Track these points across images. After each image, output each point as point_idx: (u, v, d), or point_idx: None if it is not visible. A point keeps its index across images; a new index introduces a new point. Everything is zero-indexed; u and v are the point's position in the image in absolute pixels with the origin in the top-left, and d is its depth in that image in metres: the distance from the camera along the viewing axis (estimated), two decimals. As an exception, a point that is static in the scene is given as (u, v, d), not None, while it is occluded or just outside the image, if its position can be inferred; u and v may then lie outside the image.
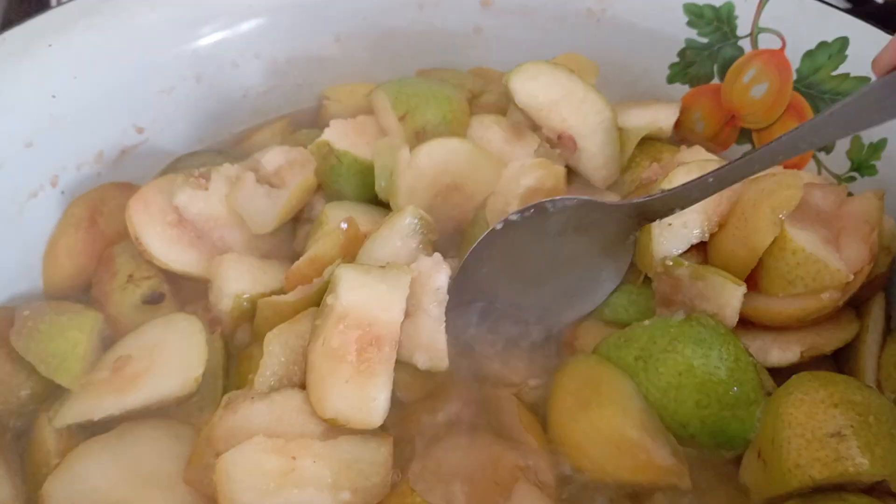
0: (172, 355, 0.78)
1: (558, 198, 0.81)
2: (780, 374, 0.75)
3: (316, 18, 1.12)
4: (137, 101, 1.04)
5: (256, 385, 0.74)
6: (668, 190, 0.79)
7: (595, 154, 0.95)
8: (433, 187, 0.91)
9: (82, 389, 0.77)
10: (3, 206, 0.92)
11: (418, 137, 0.94)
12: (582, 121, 0.96)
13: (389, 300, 0.75)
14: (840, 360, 0.82)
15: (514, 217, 0.81)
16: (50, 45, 0.97)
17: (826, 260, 0.75)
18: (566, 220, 0.82)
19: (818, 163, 0.98)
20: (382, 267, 0.78)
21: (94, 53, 0.99)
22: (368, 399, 0.70)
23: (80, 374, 0.77)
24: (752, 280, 0.78)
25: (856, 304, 0.83)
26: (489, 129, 0.98)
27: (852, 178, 0.94)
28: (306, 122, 1.15)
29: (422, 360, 0.76)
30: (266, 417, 0.71)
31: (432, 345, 0.76)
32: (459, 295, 0.80)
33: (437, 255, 0.80)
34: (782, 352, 0.77)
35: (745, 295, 0.76)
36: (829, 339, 0.78)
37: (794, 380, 0.72)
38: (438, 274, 0.78)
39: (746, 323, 0.78)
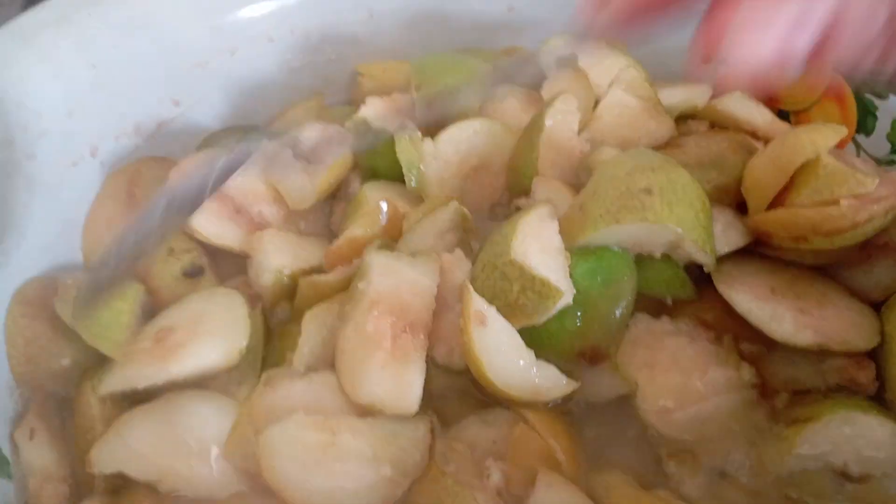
0: (215, 327, 0.77)
1: None
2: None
3: (351, -6, 1.11)
4: (174, 73, 1.03)
5: (295, 363, 0.73)
6: None
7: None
8: (461, 173, 0.89)
9: (126, 358, 0.76)
10: (45, 175, 0.91)
11: (429, 107, 0.92)
12: None
13: (422, 287, 0.73)
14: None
15: None
16: (90, 14, 0.95)
17: (854, 171, 0.75)
18: None
19: (857, 146, 0.96)
20: (412, 255, 0.76)
21: (131, 23, 0.98)
22: (405, 385, 0.69)
23: (124, 344, 0.77)
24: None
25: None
26: (503, 101, 0.96)
27: (893, 161, 0.92)
28: (339, 100, 1.14)
29: (441, 355, 0.74)
30: (305, 396, 0.70)
31: (453, 339, 0.74)
32: None
33: (458, 252, 0.78)
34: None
35: (769, 210, 0.78)
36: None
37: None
38: (459, 270, 0.76)
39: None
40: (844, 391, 0.76)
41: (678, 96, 1.00)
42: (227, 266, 0.89)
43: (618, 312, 0.77)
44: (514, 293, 0.71)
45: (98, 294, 0.73)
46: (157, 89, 1.02)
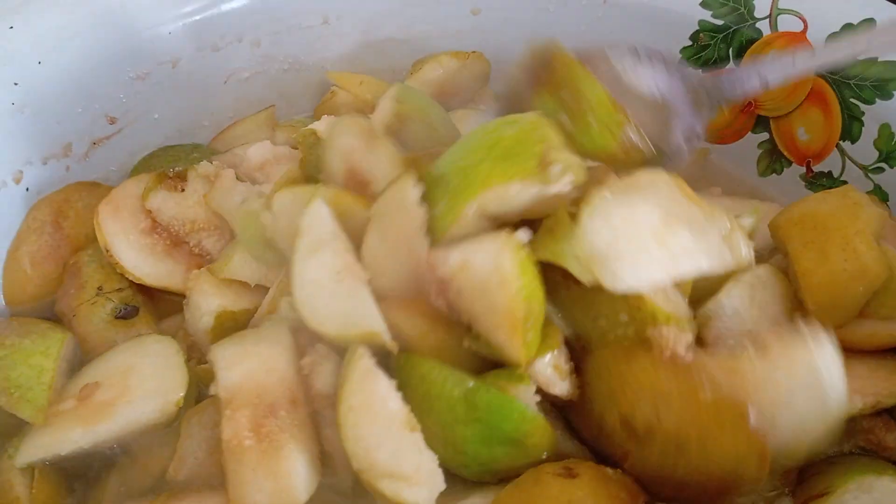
0: (147, 379, 0.66)
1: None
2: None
3: (303, -2, 0.99)
4: (109, 88, 0.91)
5: (171, 472, 0.62)
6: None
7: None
8: None
9: (46, 422, 0.64)
10: (-39, 206, 0.79)
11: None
12: None
13: (271, 359, 0.62)
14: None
15: None
16: (11, 27, 0.85)
17: None
18: None
19: (842, 153, 0.86)
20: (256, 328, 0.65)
21: (60, 35, 0.87)
22: (284, 478, 0.57)
23: (46, 406, 0.65)
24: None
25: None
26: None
27: (880, 170, 0.83)
28: (295, 112, 1.02)
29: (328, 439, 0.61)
30: None
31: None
32: None
33: None
34: None
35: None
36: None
37: None
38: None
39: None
40: (865, 455, 0.67)
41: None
42: (165, 304, 0.77)
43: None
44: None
45: None
46: (90, 106, 0.89)
